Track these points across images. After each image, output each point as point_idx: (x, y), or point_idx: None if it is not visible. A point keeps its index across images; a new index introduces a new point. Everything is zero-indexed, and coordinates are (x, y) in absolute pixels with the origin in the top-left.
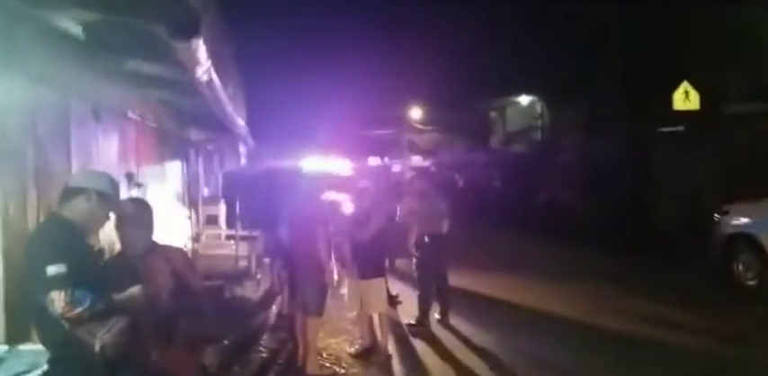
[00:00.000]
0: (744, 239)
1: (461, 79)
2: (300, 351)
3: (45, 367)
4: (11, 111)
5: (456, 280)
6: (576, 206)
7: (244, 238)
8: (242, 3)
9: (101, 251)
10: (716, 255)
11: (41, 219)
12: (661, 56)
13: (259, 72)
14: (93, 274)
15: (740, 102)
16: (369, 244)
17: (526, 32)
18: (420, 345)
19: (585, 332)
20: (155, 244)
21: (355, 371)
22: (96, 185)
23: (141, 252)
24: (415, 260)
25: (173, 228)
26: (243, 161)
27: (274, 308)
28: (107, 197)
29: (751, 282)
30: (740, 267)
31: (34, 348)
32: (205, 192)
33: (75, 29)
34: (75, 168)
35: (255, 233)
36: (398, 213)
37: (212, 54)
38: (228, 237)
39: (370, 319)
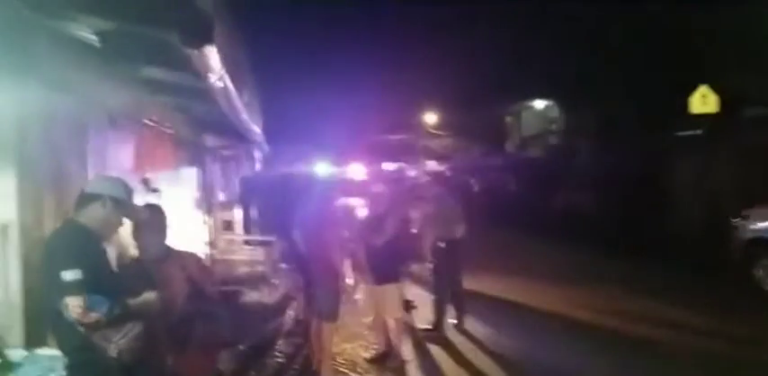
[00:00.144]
0: (764, 244)
1: (476, 84)
2: (316, 356)
3: (62, 372)
4: (28, 118)
5: (471, 284)
6: (592, 210)
7: (260, 244)
8: (257, 10)
9: (116, 256)
10: (735, 260)
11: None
12: (679, 58)
13: (274, 79)
14: (108, 280)
15: (760, 104)
16: (384, 249)
17: (542, 36)
18: (435, 350)
19: (602, 337)
20: (169, 249)
21: None
22: (111, 191)
23: (156, 257)
24: (430, 265)
25: (189, 233)
26: (258, 167)
27: (290, 314)
28: (122, 203)
29: None
30: (760, 272)
31: (51, 353)
32: (221, 197)
33: (91, 37)
34: (91, 175)
35: (271, 238)
36: (413, 218)
37: (226, 61)
38: (245, 243)
39: (386, 324)
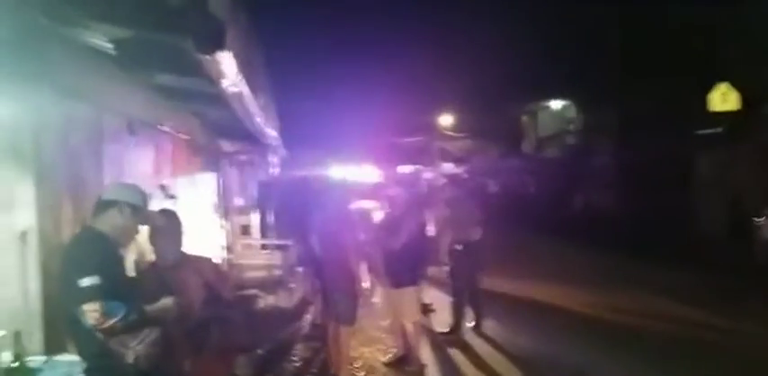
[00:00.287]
0: None
1: (492, 84)
2: (333, 360)
3: None
4: (44, 127)
5: (489, 287)
6: (611, 211)
7: (277, 248)
8: (273, 14)
9: (134, 262)
10: (758, 260)
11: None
12: (698, 55)
13: (291, 83)
14: (125, 286)
15: None
16: (401, 252)
17: (557, 36)
18: (454, 354)
19: (623, 338)
20: (185, 254)
21: None
22: (128, 198)
23: (172, 263)
24: (447, 268)
25: (207, 238)
26: (275, 171)
27: (307, 318)
28: (138, 209)
29: None
30: None
31: (70, 359)
32: (238, 202)
33: (106, 45)
34: (108, 181)
35: (288, 242)
36: (430, 221)
37: (242, 66)
38: (262, 247)
39: (404, 328)
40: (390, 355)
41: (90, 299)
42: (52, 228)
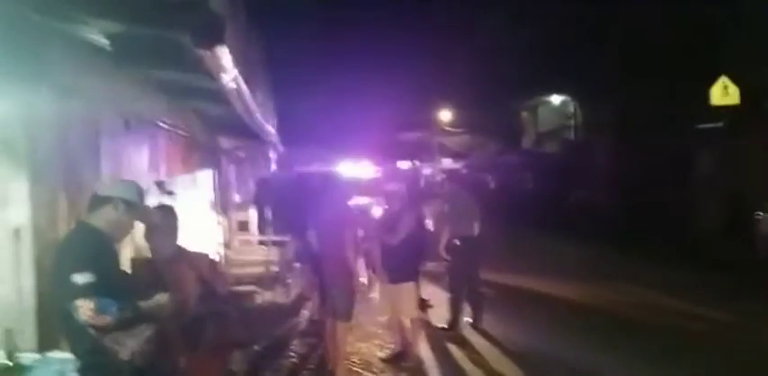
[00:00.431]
0: None
1: (491, 79)
2: (330, 356)
3: (73, 374)
4: (40, 122)
5: (488, 283)
6: (611, 207)
7: (275, 244)
8: (271, 10)
9: (129, 259)
10: (759, 255)
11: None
12: (699, 49)
13: (289, 79)
14: (120, 282)
15: None
16: (399, 248)
17: (556, 31)
18: (452, 350)
19: (620, 333)
20: (181, 250)
21: None
22: (123, 194)
23: (168, 259)
24: (445, 263)
25: (204, 234)
26: (273, 167)
27: (305, 313)
28: (134, 205)
29: None
30: None
31: (63, 356)
32: (236, 198)
33: (102, 41)
34: (105, 178)
35: (286, 238)
36: (429, 216)
37: (240, 62)
38: (260, 243)
39: (401, 324)
40: (388, 351)
41: (83, 296)
42: (47, 224)
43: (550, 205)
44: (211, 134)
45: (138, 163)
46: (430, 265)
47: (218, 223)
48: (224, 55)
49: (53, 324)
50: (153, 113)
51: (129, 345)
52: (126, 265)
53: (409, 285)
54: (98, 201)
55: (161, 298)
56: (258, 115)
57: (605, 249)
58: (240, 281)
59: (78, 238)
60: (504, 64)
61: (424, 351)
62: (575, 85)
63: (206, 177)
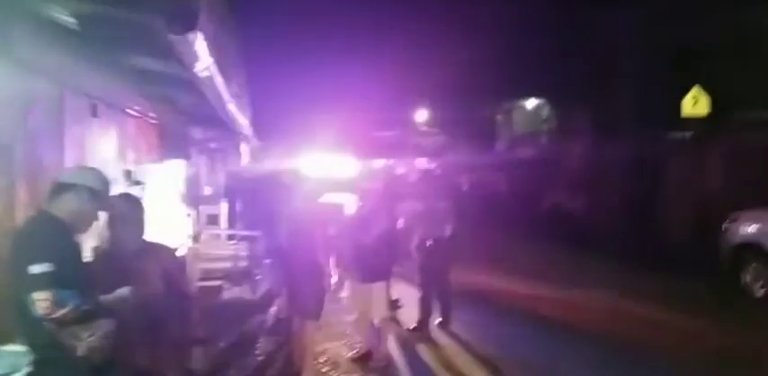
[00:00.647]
0: (753, 248)
1: (468, 82)
2: (297, 355)
3: (27, 369)
4: (1, 103)
5: (458, 283)
6: (583, 212)
7: (244, 238)
8: (251, 4)
9: (92, 250)
10: (724, 265)
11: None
12: (674, 59)
13: (265, 72)
14: (79, 274)
15: (754, 108)
16: (371, 247)
17: (533, 36)
18: (420, 351)
19: (590, 340)
20: (146, 243)
21: None
22: (87, 182)
23: (131, 251)
24: (417, 263)
25: (172, 227)
26: (246, 160)
27: (272, 311)
28: (98, 194)
29: (760, 293)
30: (749, 277)
31: (16, 349)
32: (207, 190)
33: (70, 20)
34: (68, 164)
35: (256, 233)
36: (402, 215)
37: (215, 51)
38: (229, 237)
39: (370, 323)
40: (356, 351)
41: (40, 288)
42: (4, 212)
43: (523, 208)
44: (183, 123)
45: (105, 150)
46: (401, 265)
47: (187, 215)
48: (198, 42)
49: (7, 316)
50: (122, 99)
51: (86, 340)
52: (88, 257)
53: (380, 285)
54: (60, 189)
55: (123, 291)
56: (232, 106)
57: (574, 253)
58: (207, 275)
59: (37, 227)
60: (480, 67)
61: (392, 351)
62: (549, 90)
63: (176, 168)
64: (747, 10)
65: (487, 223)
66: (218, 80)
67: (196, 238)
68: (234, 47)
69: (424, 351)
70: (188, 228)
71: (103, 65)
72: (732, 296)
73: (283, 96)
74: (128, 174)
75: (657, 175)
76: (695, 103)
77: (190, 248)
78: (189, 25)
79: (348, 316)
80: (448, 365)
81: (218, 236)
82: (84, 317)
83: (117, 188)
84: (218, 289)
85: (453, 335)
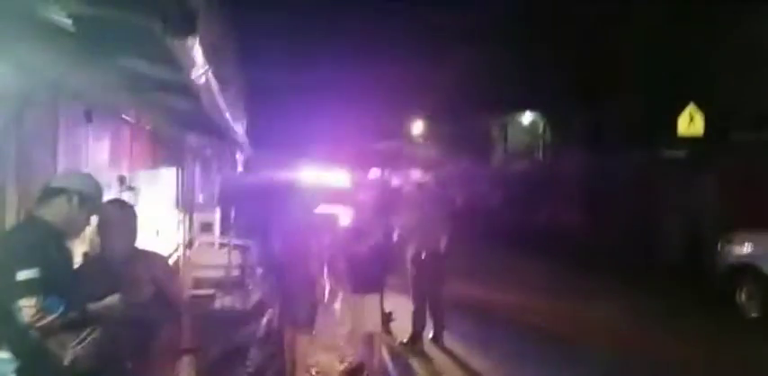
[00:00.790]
0: (747, 269)
1: (464, 95)
2: (289, 367)
3: None
4: None
5: (451, 298)
6: (575, 228)
7: (237, 247)
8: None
9: (82, 256)
10: (718, 285)
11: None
12: (669, 76)
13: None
14: (68, 281)
15: (749, 129)
16: (365, 258)
17: (531, 50)
18: (413, 365)
19: (584, 357)
20: (137, 250)
21: None
22: (78, 186)
23: (122, 258)
24: (410, 276)
25: (165, 234)
26: (240, 168)
27: (264, 321)
28: (89, 199)
29: (754, 314)
30: (743, 297)
31: (1, 356)
32: (200, 198)
33: (64, 20)
34: (62, 169)
35: (250, 242)
36: (396, 228)
37: (212, 57)
38: (222, 246)
39: (363, 336)
40: (348, 364)
41: (26, 294)
42: None
43: (516, 223)
44: (178, 130)
45: (99, 156)
46: (394, 278)
47: (180, 223)
48: (196, 47)
49: None
50: (117, 105)
51: (73, 348)
52: (78, 263)
53: (373, 297)
54: (50, 193)
55: (112, 299)
56: (228, 114)
57: (569, 269)
58: (199, 284)
59: (25, 232)
60: (477, 80)
61: (384, 365)
62: (545, 104)
63: (170, 175)
64: (746, 27)
65: (480, 237)
66: (215, 86)
67: (188, 246)
68: (231, 53)
69: (416, 365)
70: (180, 235)
71: (99, 69)
72: (726, 316)
73: (280, 105)
74: (121, 179)
75: (652, 194)
76: (691, 121)
77: (182, 256)
78: (188, 29)
79: (341, 328)
80: None
81: (211, 244)
82: (71, 325)
83: (110, 194)
84: (210, 298)
85: (446, 350)
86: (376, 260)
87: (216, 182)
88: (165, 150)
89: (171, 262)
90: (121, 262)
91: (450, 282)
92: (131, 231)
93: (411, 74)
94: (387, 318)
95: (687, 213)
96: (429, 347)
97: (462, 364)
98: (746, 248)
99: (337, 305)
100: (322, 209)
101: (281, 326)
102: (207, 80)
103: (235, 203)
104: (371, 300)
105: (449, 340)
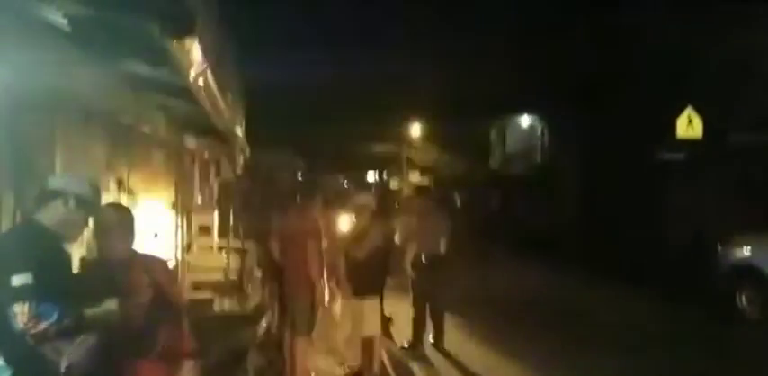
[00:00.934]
0: (748, 271)
1: (462, 98)
2: (288, 371)
3: None
4: None
5: (451, 301)
6: (576, 231)
7: (236, 250)
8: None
9: (80, 260)
10: (718, 288)
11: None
12: (667, 80)
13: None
14: (65, 285)
15: (748, 130)
16: (364, 262)
17: (530, 53)
18: (413, 369)
19: (586, 359)
20: (135, 253)
21: None
22: (75, 189)
23: (119, 261)
24: (410, 280)
25: (163, 237)
26: (239, 171)
27: (263, 325)
28: (86, 202)
29: (755, 317)
30: (744, 299)
31: None
32: (198, 200)
33: (60, 20)
34: (59, 171)
35: (248, 245)
36: (396, 231)
37: (210, 58)
38: (220, 249)
39: (362, 340)
40: (347, 368)
41: (20, 300)
42: None
43: (517, 225)
44: (176, 132)
45: (97, 159)
46: (394, 282)
47: (178, 226)
48: (194, 48)
49: None
50: (115, 106)
51: (68, 355)
52: (75, 268)
53: (373, 301)
54: (46, 196)
55: (110, 305)
56: (227, 116)
57: (569, 272)
58: (197, 287)
59: (20, 236)
60: (475, 83)
61: (384, 369)
62: (543, 107)
63: (168, 177)
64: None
65: (480, 240)
66: (213, 88)
67: (186, 249)
68: (230, 54)
69: (416, 369)
70: (178, 238)
71: (97, 70)
72: (727, 318)
73: (278, 107)
74: (119, 182)
75: (652, 196)
76: (689, 123)
77: (179, 259)
78: (186, 30)
79: (340, 332)
80: None
81: (209, 247)
82: (66, 332)
83: (108, 196)
84: (209, 301)
85: (446, 354)
86: (376, 263)
87: (214, 184)
88: (163, 152)
89: (169, 265)
90: (119, 265)
91: (450, 286)
92: (129, 234)
93: (411, 77)
94: (386, 322)
95: (687, 216)
96: (429, 351)
97: (463, 368)
98: (746, 250)
99: (337, 309)
100: (321, 211)
101: (280, 330)
102: (206, 81)
103: (234, 206)
104: (371, 304)
105: (449, 344)
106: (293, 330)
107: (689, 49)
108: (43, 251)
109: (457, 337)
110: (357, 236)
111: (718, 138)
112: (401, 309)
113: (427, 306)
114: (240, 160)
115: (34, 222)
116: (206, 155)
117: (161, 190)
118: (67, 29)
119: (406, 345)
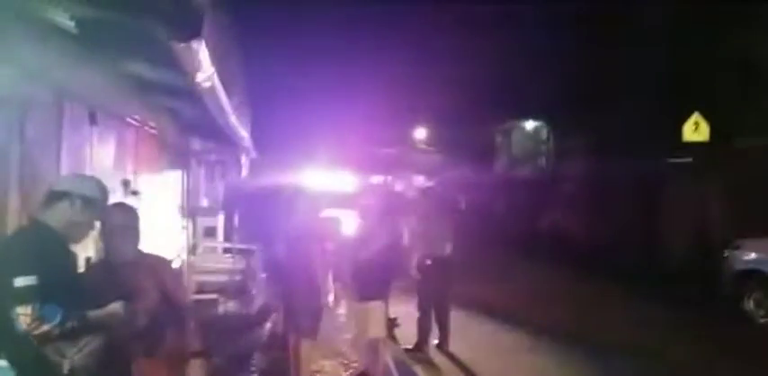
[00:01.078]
0: (755, 276)
1: (468, 101)
2: (293, 372)
3: None
4: None
5: (456, 304)
6: (580, 234)
7: (241, 252)
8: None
9: (86, 261)
10: (726, 292)
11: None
12: (673, 84)
13: (267, 85)
14: (70, 287)
15: (755, 135)
16: (370, 264)
17: (535, 57)
18: (418, 371)
19: (590, 363)
20: (141, 254)
21: None
22: (82, 190)
23: (125, 262)
24: (415, 282)
25: (168, 238)
26: (245, 173)
27: (268, 326)
28: (93, 203)
29: (763, 320)
30: (751, 304)
31: (0, 365)
32: (204, 202)
33: (68, 23)
34: (65, 172)
35: (254, 247)
36: (401, 233)
37: (217, 61)
38: (226, 251)
39: (367, 342)
40: (352, 370)
41: (24, 302)
42: None
43: (520, 229)
44: (183, 134)
45: (103, 160)
46: (400, 284)
47: (184, 227)
48: (201, 51)
49: None
50: (122, 108)
51: (72, 357)
52: (81, 269)
53: (378, 303)
54: (53, 197)
55: (115, 306)
56: (232, 118)
57: (573, 276)
58: (203, 288)
59: (26, 237)
60: (480, 86)
61: (389, 371)
62: (549, 113)
63: (174, 179)
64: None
65: (485, 243)
66: (220, 90)
67: (192, 250)
68: (235, 57)
69: (421, 371)
70: (184, 240)
71: (103, 71)
72: (734, 324)
73: (285, 109)
74: (125, 183)
75: (657, 201)
76: (696, 129)
77: (185, 261)
78: (193, 33)
79: (345, 334)
80: None
81: (214, 248)
82: (70, 333)
83: (114, 198)
84: (214, 303)
85: (451, 356)
86: (381, 266)
87: (220, 186)
88: (169, 154)
89: (175, 266)
90: (125, 266)
91: (455, 288)
92: (135, 235)
93: (415, 79)
94: (392, 324)
95: (693, 220)
96: (434, 353)
97: (468, 371)
98: (753, 254)
99: (342, 310)
100: (327, 213)
101: (285, 331)
102: (212, 84)
103: (239, 208)
104: (376, 306)
105: (454, 346)
106: (298, 332)
107: (695, 51)
108: (49, 252)
109: (462, 339)
110: (363, 237)
111: (724, 141)
112: (406, 311)
113: (432, 308)
114: (246, 161)
115: (41, 223)
116: (212, 156)
117: (167, 191)
118: (74, 31)
119: (410, 347)
